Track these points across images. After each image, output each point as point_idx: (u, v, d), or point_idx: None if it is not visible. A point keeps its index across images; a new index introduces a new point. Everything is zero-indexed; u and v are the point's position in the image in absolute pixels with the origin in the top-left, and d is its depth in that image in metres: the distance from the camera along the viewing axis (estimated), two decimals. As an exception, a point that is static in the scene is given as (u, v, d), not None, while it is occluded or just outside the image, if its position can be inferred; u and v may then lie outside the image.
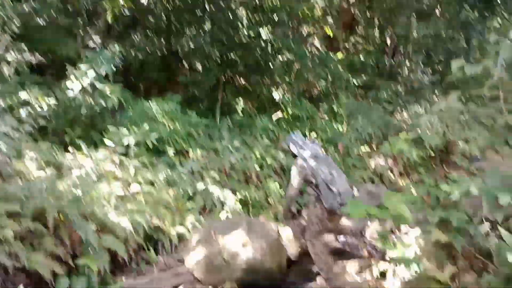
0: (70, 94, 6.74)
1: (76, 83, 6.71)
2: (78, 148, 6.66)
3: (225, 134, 7.98)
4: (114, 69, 7.22)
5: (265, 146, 8.26)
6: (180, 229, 5.65)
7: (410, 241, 4.92)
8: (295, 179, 5.08)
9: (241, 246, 4.89)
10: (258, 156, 7.58)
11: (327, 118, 10.96)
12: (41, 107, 6.68)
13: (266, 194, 6.90)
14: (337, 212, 4.85)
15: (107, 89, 6.99)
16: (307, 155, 4.93)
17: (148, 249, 5.34)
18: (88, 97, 6.79)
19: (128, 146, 6.54)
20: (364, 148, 9.71)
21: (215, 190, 6.42)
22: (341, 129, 10.23)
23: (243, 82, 10.91)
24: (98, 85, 6.83)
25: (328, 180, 4.86)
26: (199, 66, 9.65)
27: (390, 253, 5.04)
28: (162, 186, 6.30)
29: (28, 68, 7.71)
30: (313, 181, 4.86)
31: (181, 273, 4.98)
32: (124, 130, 6.55)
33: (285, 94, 10.28)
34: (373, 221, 7.16)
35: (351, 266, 5.39)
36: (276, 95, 10.17)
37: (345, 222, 7.18)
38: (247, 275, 4.78)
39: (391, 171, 9.83)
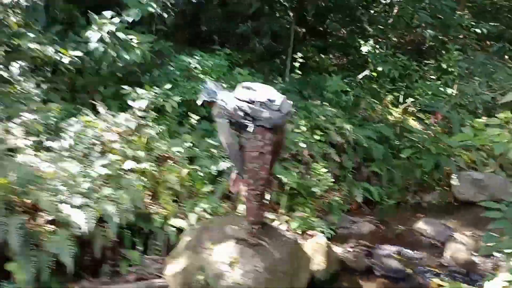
0: (90, 46, 5.77)
1: (95, 32, 5.71)
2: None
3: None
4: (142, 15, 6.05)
5: (331, 115, 6.48)
6: (179, 222, 4.42)
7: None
8: (223, 133, 3.65)
9: (228, 265, 3.48)
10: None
11: (433, 78, 8.55)
12: (61, 62, 5.86)
13: (310, 181, 5.26)
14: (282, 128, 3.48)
15: (134, 39, 5.89)
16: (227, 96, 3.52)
17: (134, 247, 4.25)
18: (109, 49, 5.77)
19: (145, 111, 5.42)
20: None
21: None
22: (449, 93, 7.82)
23: (330, 35, 8.97)
24: (120, 34, 5.74)
25: (264, 101, 3.45)
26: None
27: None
28: (180, 162, 5.12)
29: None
30: (242, 115, 3.45)
31: (156, 286, 3.80)
32: (140, 90, 5.41)
33: (376, 47, 8.12)
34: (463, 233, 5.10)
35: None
36: (365, 48, 8.09)
37: (420, 224, 5.25)
38: (231, 306, 3.40)
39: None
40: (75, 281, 3.81)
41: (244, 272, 3.43)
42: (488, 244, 2.72)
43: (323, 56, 9.04)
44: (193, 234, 4.01)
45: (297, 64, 7.06)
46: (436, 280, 4.06)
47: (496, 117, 4.38)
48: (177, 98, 5.51)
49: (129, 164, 4.56)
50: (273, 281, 3.46)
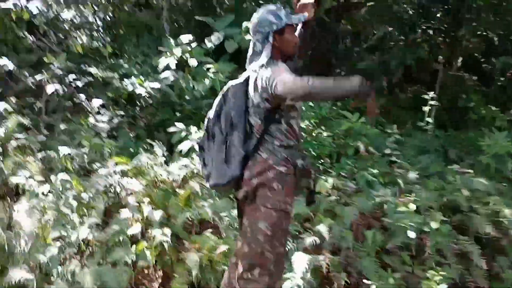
0: (162, 74, 4.84)
1: (168, 59, 4.75)
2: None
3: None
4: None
5: (482, 189, 4.13)
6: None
7: None
8: None
9: None
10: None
11: None
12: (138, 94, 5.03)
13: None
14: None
15: (211, 68, 4.76)
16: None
17: None
18: (180, 79, 4.75)
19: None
20: None
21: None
22: None
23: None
24: (193, 61, 4.66)
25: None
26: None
27: None
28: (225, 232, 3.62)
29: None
30: None
31: None
32: (194, 129, 4.15)
33: None
34: None
35: None
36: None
37: None
38: None
39: None
40: None
41: None
42: None
43: (492, 108, 6.52)
44: None
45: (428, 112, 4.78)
46: None
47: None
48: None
49: (135, 229, 3.23)
50: None
